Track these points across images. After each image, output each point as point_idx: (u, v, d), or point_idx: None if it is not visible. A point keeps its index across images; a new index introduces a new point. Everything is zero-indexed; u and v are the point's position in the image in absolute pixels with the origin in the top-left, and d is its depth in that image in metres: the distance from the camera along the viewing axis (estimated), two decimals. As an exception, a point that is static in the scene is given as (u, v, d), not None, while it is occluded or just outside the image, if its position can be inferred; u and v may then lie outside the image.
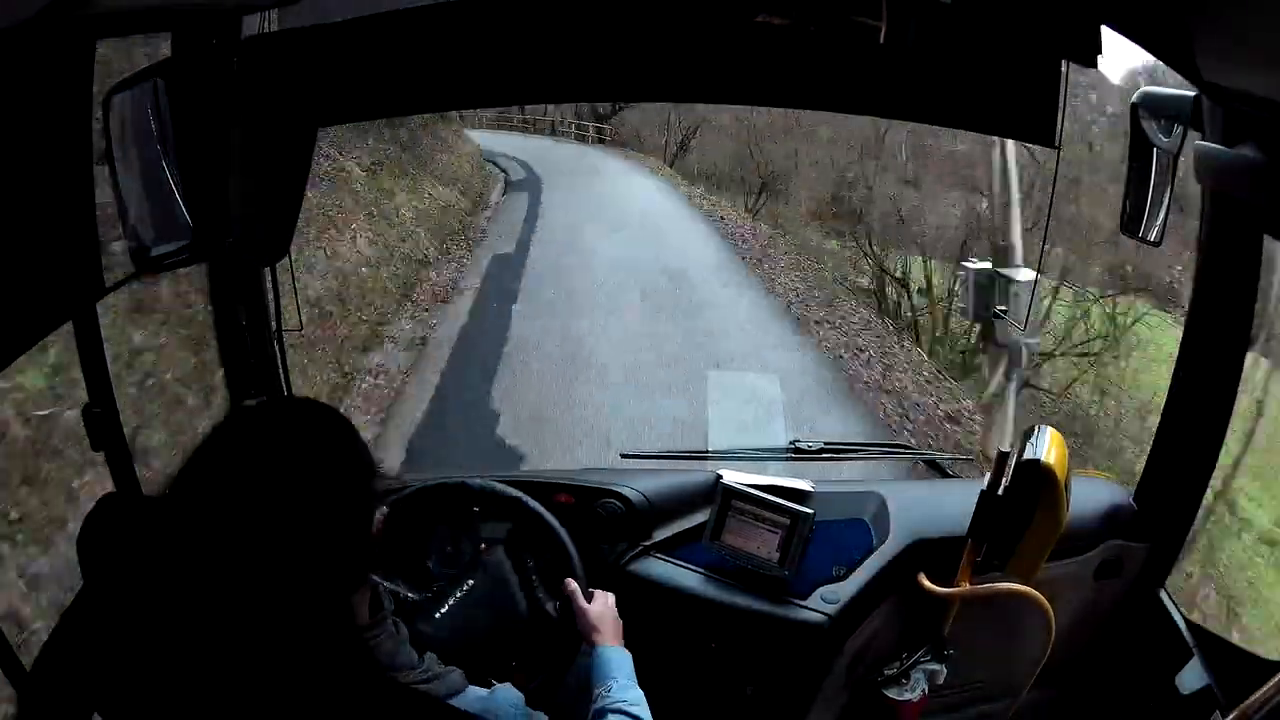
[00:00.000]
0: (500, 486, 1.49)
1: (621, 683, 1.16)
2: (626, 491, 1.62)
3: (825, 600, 1.50)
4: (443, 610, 1.37)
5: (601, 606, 1.32)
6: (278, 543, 0.75)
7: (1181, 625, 1.58)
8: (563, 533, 1.44)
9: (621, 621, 1.32)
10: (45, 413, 3.35)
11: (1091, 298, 11.30)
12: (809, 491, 1.61)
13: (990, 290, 4.54)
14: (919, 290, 12.91)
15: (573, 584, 1.34)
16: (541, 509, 1.48)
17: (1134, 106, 1.37)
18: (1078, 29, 1.25)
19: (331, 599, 0.80)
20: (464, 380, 6.58)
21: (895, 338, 9.24)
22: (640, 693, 1.16)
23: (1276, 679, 1.02)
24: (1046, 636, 1.54)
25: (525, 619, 1.39)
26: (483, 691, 0.94)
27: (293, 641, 0.77)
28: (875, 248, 13.69)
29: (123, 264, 1.27)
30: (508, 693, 0.95)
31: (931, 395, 7.40)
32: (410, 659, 0.89)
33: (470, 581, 1.40)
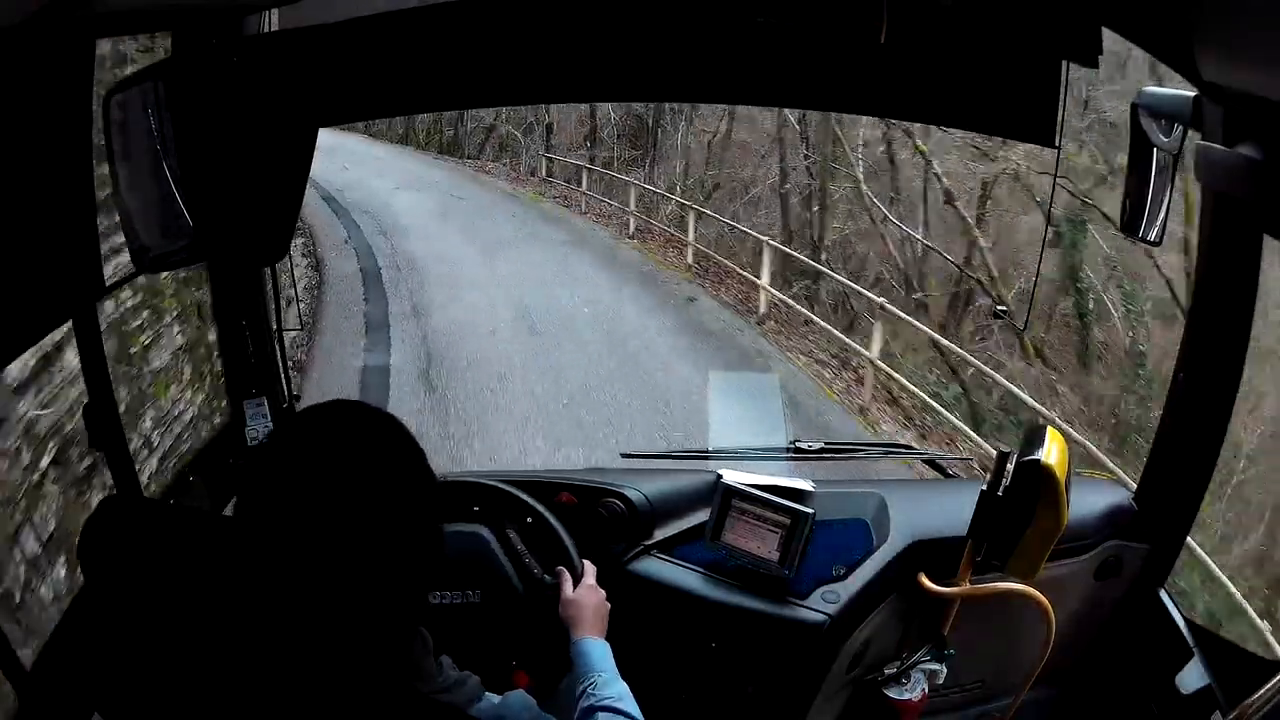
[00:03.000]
0: (506, 488, 1.51)
1: (605, 677, 1.16)
2: (628, 491, 1.62)
3: (825, 600, 1.50)
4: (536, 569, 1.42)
5: (584, 594, 1.31)
6: (349, 551, 0.73)
7: (1181, 625, 1.58)
8: (558, 526, 1.49)
9: (608, 606, 1.32)
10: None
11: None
12: (809, 491, 1.61)
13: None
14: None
15: (565, 573, 1.36)
16: (542, 509, 1.50)
17: (1134, 106, 1.37)
18: (1078, 29, 1.25)
19: (393, 608, 0.79)
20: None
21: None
22: (624, 685, 1.15)
23: (1276, 679, 1.02)
24: (1046, 636, 1.54)
25: (522, 594, 1.42)
26: (496, 698, 0.94)
27: (339, 650, 0.76)
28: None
29: (123, 264, 1.27)
30: (520, 697, 0.95)
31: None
32: (431, 666, 0.88)
33: (473, 590, 1.42)
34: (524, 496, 1.52)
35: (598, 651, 1.21)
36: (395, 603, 0.78)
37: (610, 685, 1.14)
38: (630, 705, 1.11)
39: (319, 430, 0.79)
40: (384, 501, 0.75)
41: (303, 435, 0.79)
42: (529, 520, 1.50)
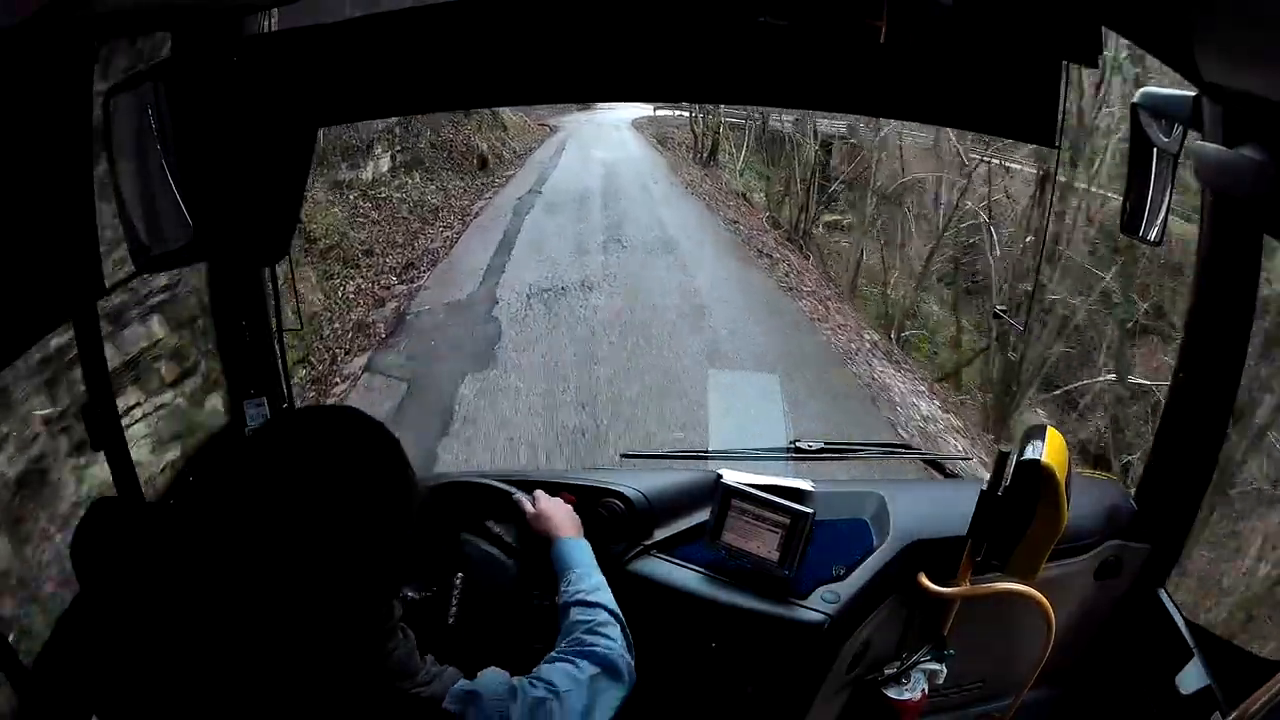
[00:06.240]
0: (506, 487, 1.50)
1: (579, 572, 1.20)
2: (627, 491, 1.62)
3: (825, 600, 1.50)
4: (453, 612, 1.38)
5: (547, 504, 1.37)
6: (318, 552, 0.74)
7: (1181, 625, 1.58)
8: (490, 480, 1.52)
9: (574, 512, 1.38)
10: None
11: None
12: (809, 491, 1.61)
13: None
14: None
15: (520, 497, 1.40)
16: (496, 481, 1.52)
17: (1134, 106, 1.37)
18: (1078, 29, 1.25)
19: (367, 610, 0.80)
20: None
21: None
22: (600, 578, 1.20)
23: (1276, 679, 1.02)
24: (1046, 636, 1.54)
25: (516, 576, 1.41)
26: (469, 681, 0.94)
27: (318, 651, 0.77)
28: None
29: (123, 264, 1.27)
30: (493, 673, 0.96)
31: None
32: (416, 665, 0.89)
33: (460, 573, 1.41)
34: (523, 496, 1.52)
35: (575, 549, 1.26)
36: (361, 602, 0.79)
37: (584, 579, 1.18)
38: (604, 596, 1.14)
39: (294, 435, 0.80)
40: (351, 506, 0.76)
41: (279, 440, 0.80)
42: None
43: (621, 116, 25.25)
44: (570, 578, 1.19)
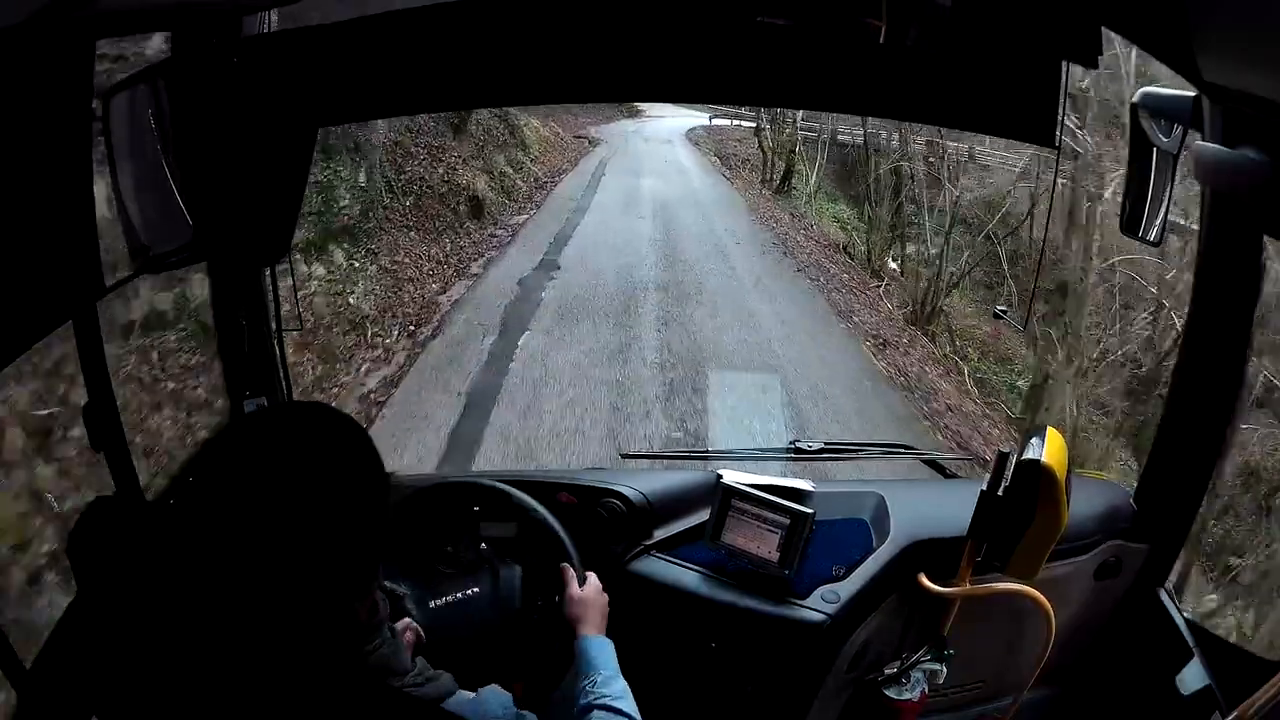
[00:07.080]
0: (506, 488, 1.50)
1: (605, 675, 1.17)
2: (627, 491, 1.62)
3: (825, 600, 1.50)
4: (436, 603, 1.37)
5: (592, 594, 1.34)
6: (286, 550, 0.74)
7: (1181, 625, 1.58)
8: (559, 529, 1.46)
9: (608, 607, 1.34)
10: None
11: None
12: (809, 491, 1.61)
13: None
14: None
15: (569, 570, 1.37)
16: (544, 511, 1.48)
17: (1134, 106, 1.37)
18: (1078, 29, 1.25)
19: (337, 607, 0.80)
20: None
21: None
22: (624, 684, 1.17)
23: (1276, 679, 1.02)
24: (1047, 636, 1.55)
25: (516, 624, 1.40)
26: (470, 694, 0.94)
27: (293, 648, 0.77)
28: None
29: (123, 264, 1.27)
30: (496, 694, 0.96)
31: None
32: (405, 664, 0.89)
33: (475, 589, 1.40)
34: (523, 497, 1.52)
35: (601, 649, 1.23)
36: (336, 595, 0.79)
37: (610, 684, 1.15)
38: (628, 705, 1.11)
39: (265, 432, 0.80)
40: (321, 499, 0.76)
41: (250, 437, 0.80)
42: (524, 529, 1.49)
43: (673, 126, 22.33)
44: (596, 679, 1.17)
